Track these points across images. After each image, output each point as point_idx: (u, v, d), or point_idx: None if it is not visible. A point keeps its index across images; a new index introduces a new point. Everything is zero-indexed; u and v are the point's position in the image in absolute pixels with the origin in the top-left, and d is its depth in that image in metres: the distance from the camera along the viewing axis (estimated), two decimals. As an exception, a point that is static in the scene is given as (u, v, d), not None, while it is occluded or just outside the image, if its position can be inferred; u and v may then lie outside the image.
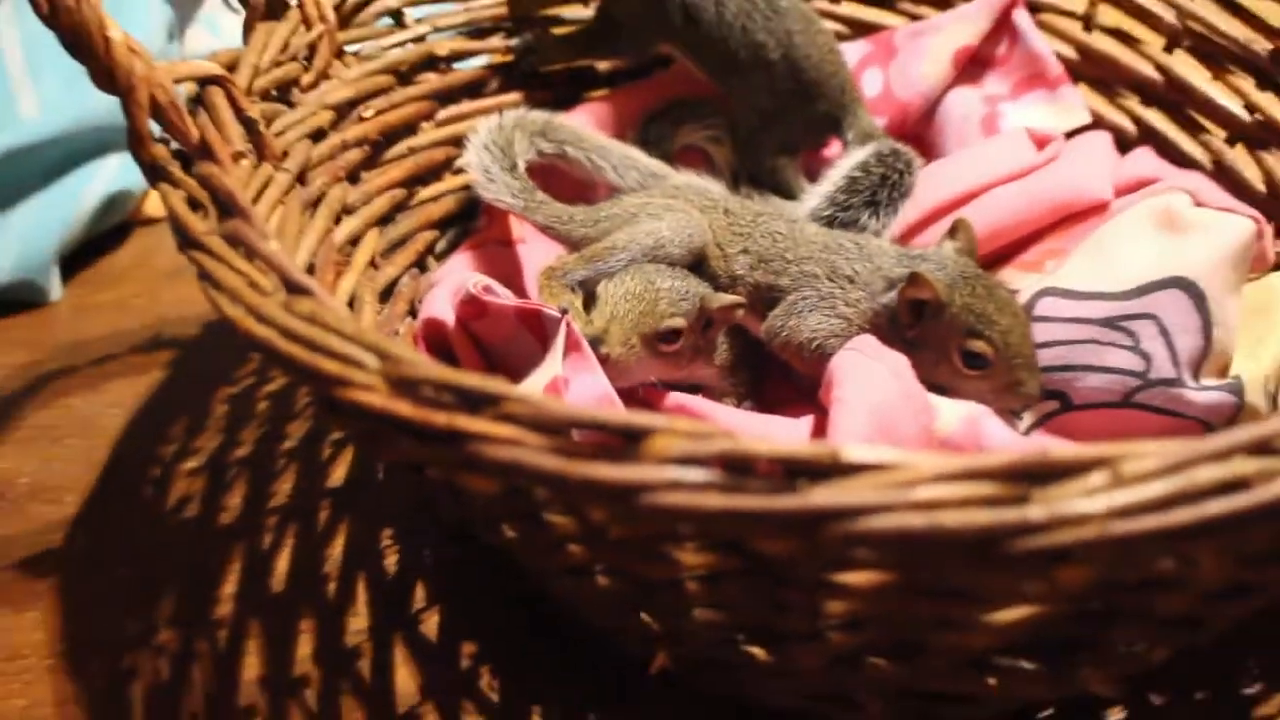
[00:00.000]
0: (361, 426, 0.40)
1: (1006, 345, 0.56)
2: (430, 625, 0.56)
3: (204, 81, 0.53)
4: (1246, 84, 0.68)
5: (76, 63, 0.49)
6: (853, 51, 0.76)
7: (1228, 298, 0.58)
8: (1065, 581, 0.34)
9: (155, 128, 0.50)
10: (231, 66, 0.57)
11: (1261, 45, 0.67)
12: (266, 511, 0.62)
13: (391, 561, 0.59)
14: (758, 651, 0.46)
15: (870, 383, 0.54)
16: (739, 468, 0.33)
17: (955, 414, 0.54)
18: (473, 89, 0.75)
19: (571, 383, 0.53)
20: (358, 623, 0.56)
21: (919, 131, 0.75)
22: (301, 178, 0.58)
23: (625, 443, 0.34)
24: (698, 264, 0.62)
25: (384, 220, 0.66)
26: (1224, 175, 0.68)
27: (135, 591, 0.58)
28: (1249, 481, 0.33)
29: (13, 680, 0.55)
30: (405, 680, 0.53)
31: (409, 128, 0.71)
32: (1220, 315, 0.57)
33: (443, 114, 0.73)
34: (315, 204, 0.59)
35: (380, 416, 0.36)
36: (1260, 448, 0.33)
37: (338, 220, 0.61)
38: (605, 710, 0.51)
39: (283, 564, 0.59)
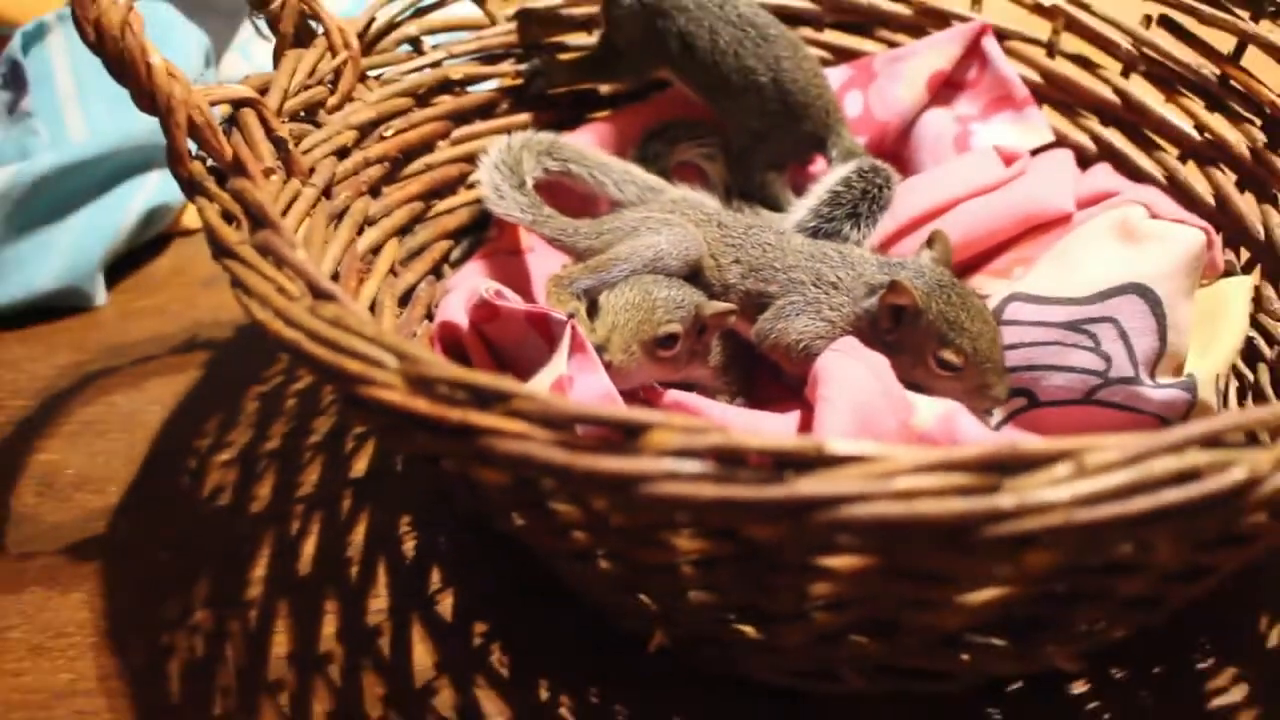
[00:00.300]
0: (382, 422, 0.39)
1: (976, 351, 0.56)
2: (445, 606, 0.55)
3: (237, 104, 0.53)
4: (1197, 106, 0.68)
5: (121, 87, 0.49)
6: (836, 75, 0.76)
7: (1181, 302, 0.57)
8: (1032, 565, 0.34)
9: (192, 146, 0.50)
10: (263, 90, 0.57)
11: (1210, 70, 0.67)
12: (294, 500, 0.62)
13: (409, 547, 0.59)
14: (748, 630, 0.45)
15: (853, 382, 0.54)
16: (731, 460, 0.33)
17: (931, 411, 0.54)
18: (485, 110, 0.75)
19: (576, 381, 0.52)
20: (378, 603, 0.56)
21: (897, 149, 0.75)
22: (327, 192, 0.58)
23: (625, 437, 0.34)
24: (694, 274, 0.62)
25: (403, 231, 0.66)
26: (1177, 189, 0.68)
27: (173, 574, 0.58)
28: (1201, 472, 0.32)
29: (59, 656, 0.54)
30: (422, 656, 0.53)
31: (426, 146, 0.70)
32: (1174, 319, 0.57)
33: (457, 133, 0.73)
34: (340, 216, 0.58)
35: (399, 412, 0.36)
36: (1211, 441, 0.33)
37: (360, 231, 0.60)
38: (607, 685, 0.51)
39: (309, 549, 0.59)
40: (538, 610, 0.54)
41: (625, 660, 0.51)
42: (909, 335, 0.57)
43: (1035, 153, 0.72)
